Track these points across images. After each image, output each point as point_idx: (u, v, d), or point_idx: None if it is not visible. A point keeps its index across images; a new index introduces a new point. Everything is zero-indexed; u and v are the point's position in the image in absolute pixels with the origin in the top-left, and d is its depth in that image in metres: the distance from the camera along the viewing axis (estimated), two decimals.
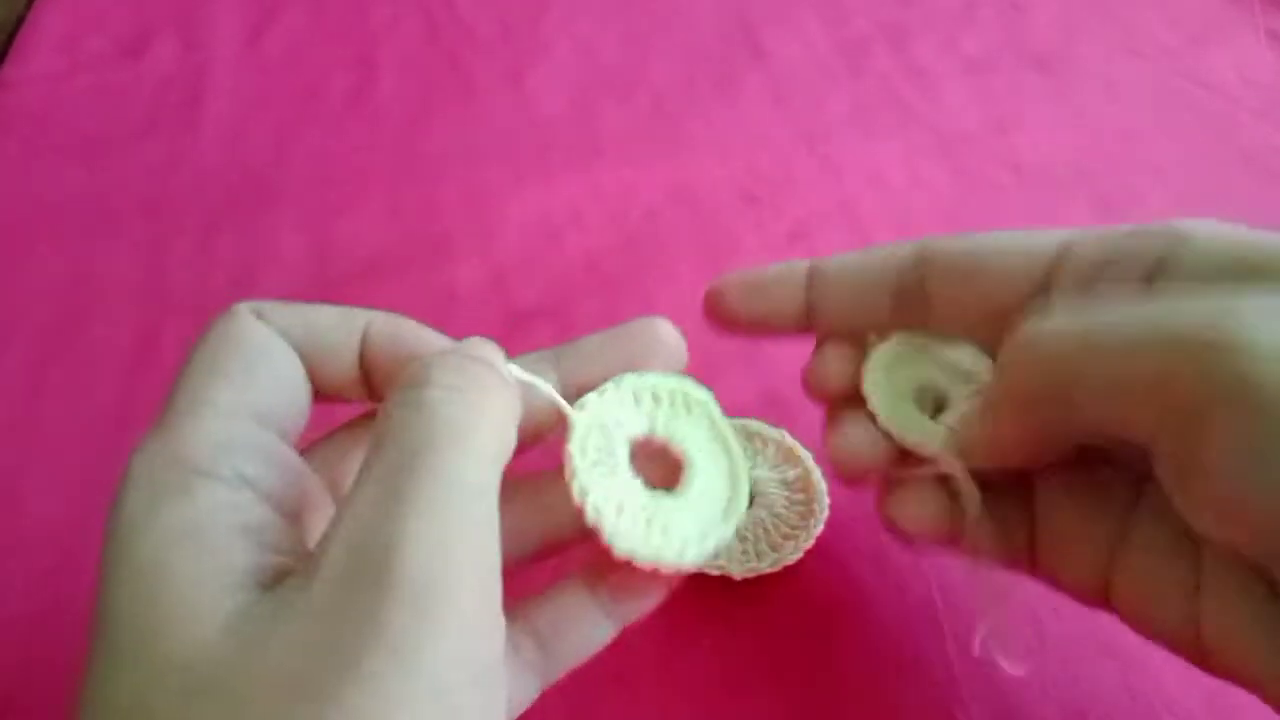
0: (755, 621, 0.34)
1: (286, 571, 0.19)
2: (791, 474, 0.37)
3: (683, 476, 0.26)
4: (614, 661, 0.34)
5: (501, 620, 0.19)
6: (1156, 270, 0.24)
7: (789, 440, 0.37)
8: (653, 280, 0.46)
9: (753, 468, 0.37)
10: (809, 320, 0.30)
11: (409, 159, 0.52)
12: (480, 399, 0.20)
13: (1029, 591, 0.35)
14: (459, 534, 0.18)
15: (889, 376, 0.29)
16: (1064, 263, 0.26)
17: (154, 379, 0.43)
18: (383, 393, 0.24)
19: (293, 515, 0.22)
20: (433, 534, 0.18)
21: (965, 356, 0.29)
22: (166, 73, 0.57)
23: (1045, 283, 0.26)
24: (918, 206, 0.50)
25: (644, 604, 0.25)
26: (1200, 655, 0.24)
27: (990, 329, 0.27)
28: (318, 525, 0.22)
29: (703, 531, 0.25)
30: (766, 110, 0.55)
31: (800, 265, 0.30)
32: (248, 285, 0.46)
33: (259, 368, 0.22)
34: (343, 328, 0.24)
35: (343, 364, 0.24)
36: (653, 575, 0.24)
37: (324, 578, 0.18)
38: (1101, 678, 0.33)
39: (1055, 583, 0.27)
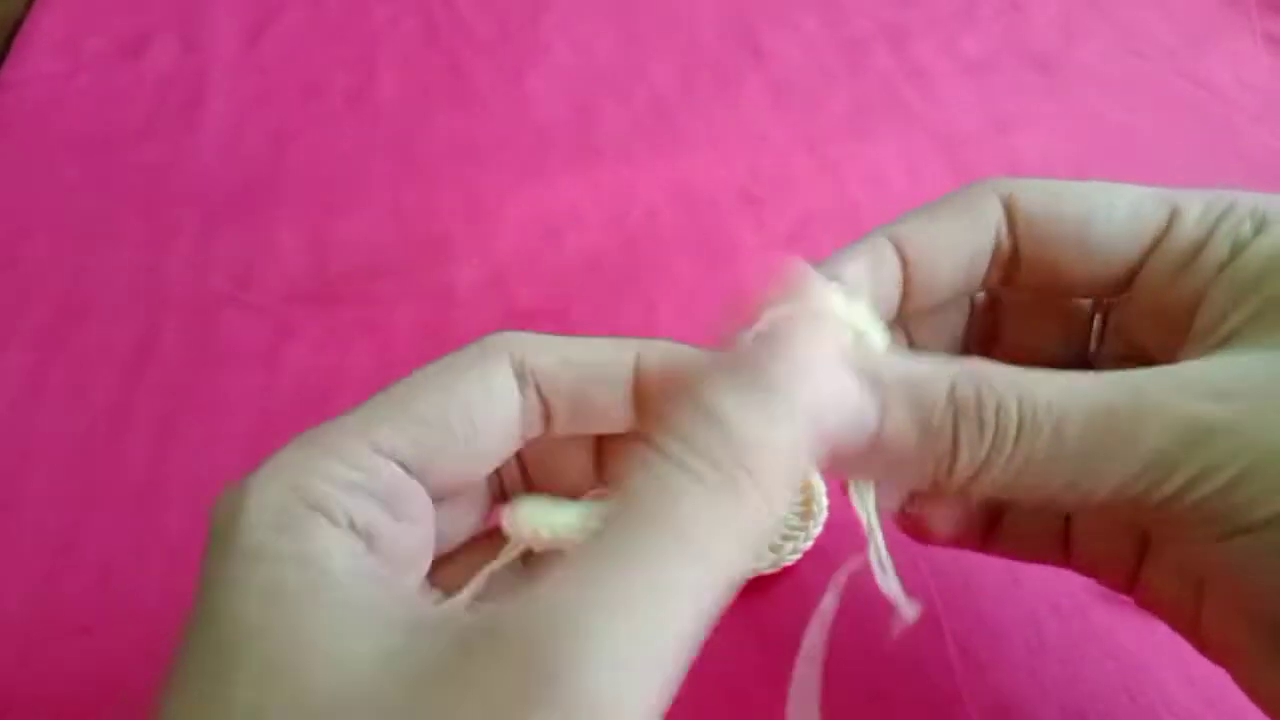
0: (755, 621, 0.34)
1: (413, 625, 0.18)
2: None
3: None
4: None
5: None
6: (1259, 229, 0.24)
7: None
8: (652, 280, 0.46)
9: None
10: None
11: (408, 159, 0.52)
12: (744, 493, 0.17)
13: (1028, 592, 0.35)
14: (648, 660, 0.16)
15: None
16: (1171, 231, 0.25)
17: (152, 378, 0.43)
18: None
19: (407, 566, 0.21)
20: (615, 657, 0.16)
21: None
22: (166, 73, 0.57)
23: (1152, 249, 0.25)
24: (918, 205, 0.49)
25: None
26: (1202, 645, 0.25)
27: (1091, 290, 0.26)
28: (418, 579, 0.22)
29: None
30: (766, 110, 0.55)
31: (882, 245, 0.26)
32: (247, 285, 0.46)
33: (442, 411, 0.21)
34: (610, 359, 0.23)
35: (611, 398, 0.23)
36: None
37: (488, 646, 0.16)
38: (1101, 678, 0.33)
39: (1089, 575, 0.28)
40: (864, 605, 0.35)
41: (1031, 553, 0.28)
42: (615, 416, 0.23)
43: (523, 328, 0.43)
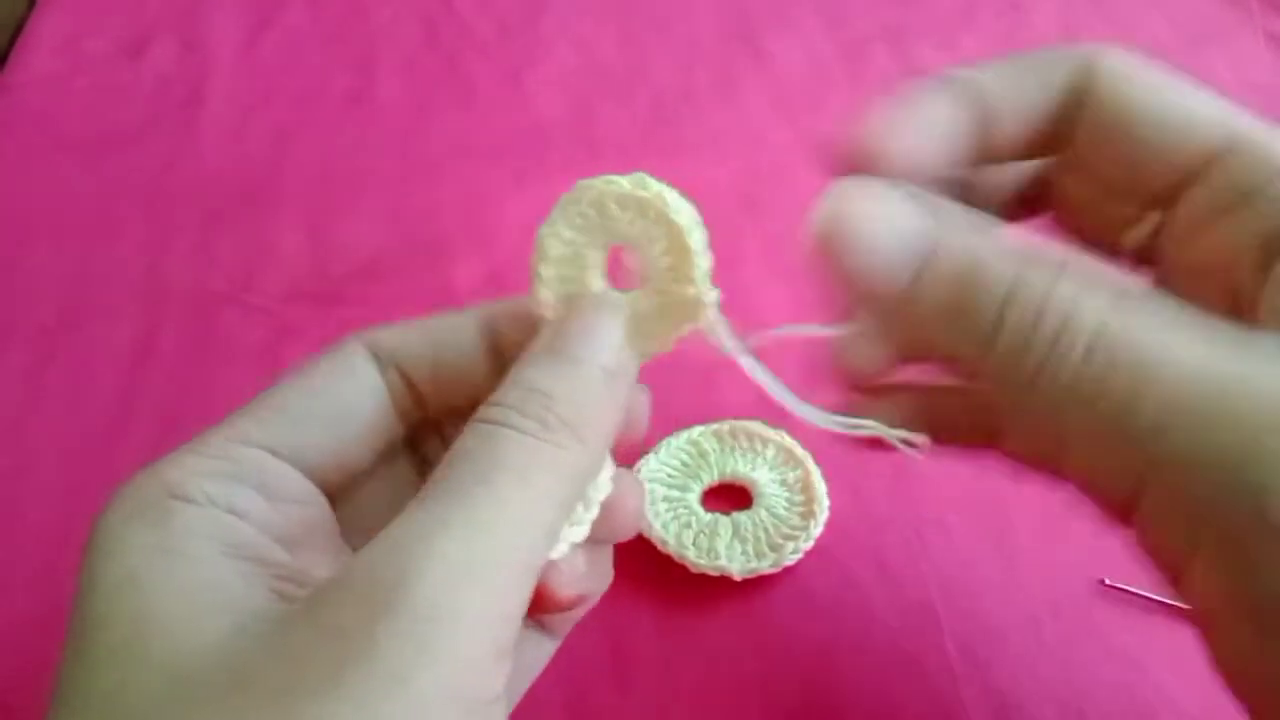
0: (755, 621, 0.34)
1: (288, 596, 0.19)
2: (792, 475, 0.37)
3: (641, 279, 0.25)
4: (613, 662, 0.34)
5: (507, 665, 0.18)
6: None
7: (789, 441, 0.37)
8: None
9: (753, 469, 0.37)
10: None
11: (408, 160, 0.52)
12: (558, 446, 0.20)
13: (1027, 592, 0.35)
14: (481, 574, 0.18)
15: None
16: (1222, 162, 0.23)
17: (152, 379, 0.43)
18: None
19: (293, 545, 0.21)
20: (453, 569, 0.17)
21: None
22: (166, 74, 0.57)
23: (1199, 172, 0.24)
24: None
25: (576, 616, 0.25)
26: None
27: (1129, 199, 0.25)
28: (320, 561, 0.22)
29: None
30: (766, 112, 0.55)
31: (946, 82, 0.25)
32: (247, 285, 0.46)
33: (304, 400, 0.22)
34: (458, 324, 0.24)
35: (469, 362, 0.24)
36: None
37: (337, 591, 0.18)
38: (1100, 677, 0.33)
39: (1084, 492, 0.25)
40: (864, 605, 0.35)
41: (1032, 461, 0.25)
42: (479, 382, 0.24)
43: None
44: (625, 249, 0.25)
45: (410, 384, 0.24)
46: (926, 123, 0.24)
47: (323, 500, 0.23)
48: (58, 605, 0.35)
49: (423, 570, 0.17)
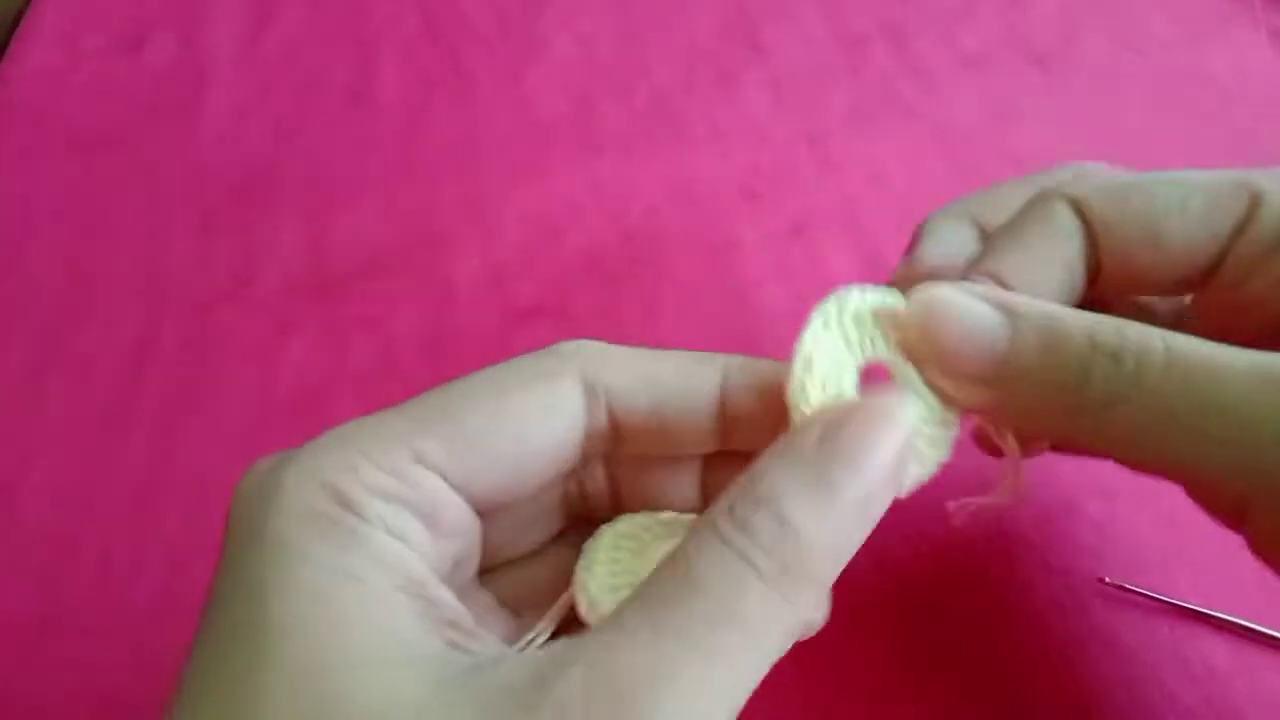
0: None
1: (460, 647, 0.19)
2: None
3: None
4: None
5: None
6: None
7: None
8: (653, 277, 0.46)
9: None
10: None
11: (408, 156, 0.52)
12: (792, 602, 0.18)
13: (1029, 591, 0.35)
14: (717, 696, 0.17)
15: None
16: (1254, 218, 0.24)
17: (153, 376, 0.43)
18: (739, 440, 0.23)
19: (443, 579, 0.21)
20: (695, 687, 0.17)
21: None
22: (165, 69, 0.57)
23: (1234, 239, 0.24)
24: (918, 203, 0.49)
25: None
26: None
27: (1174, 288, 0.26)
28: (461, 594, 0.21)
29: None
30: (766, 107, 0.54)
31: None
32: (246, 281, 0.46)
33: (494, 428, 0.20)
34: (693, 380, 0.22)
35: (693, 421, 0.22)
36: None
37: (569, 700, 0.17)
38: (1103, 676, 0.33)
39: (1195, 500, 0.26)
40: (865, 604, 0.35)
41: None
42: (696, 439, 0.22)
43: (522, 325, 0.44)
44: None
45: (615, 425, 0.22)
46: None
47: (477, 529, 0.22)
48: (57, 604, 0.35)
49: (660, 693, 0.16)
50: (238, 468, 0.21)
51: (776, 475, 0.19)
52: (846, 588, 0.35)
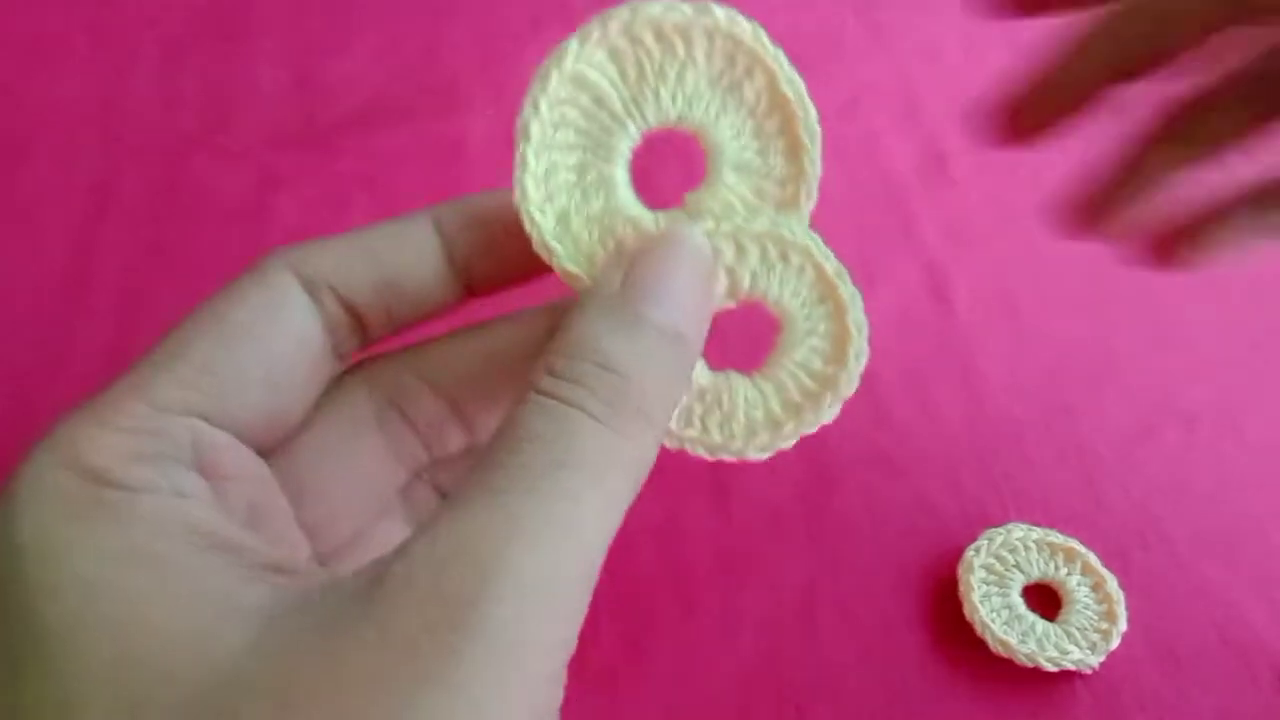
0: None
1: (285, 589, 0.17)
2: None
3: (775, 345, 0.21)
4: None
5: (564, 678, 0.17)
6: None
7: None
8: (687, 141, 0.41)
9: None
10: None
11: None
12: (632, 437, 0.18)
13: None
14: (556, 594, 0.16)
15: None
16: None
17: (110, 236, 0.37)
18: (483, 281, 0.21)
19: (246, 525, 0.19)
20: (529, 589, 0.16)
21: None
22: None
23: None
24: (977, 85, 0.45)
25: None
26: None
27: None
28: (279, 538, 0.20)
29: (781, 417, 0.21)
30: None
31: None
32: (220, 127, 0.40)
33: (229, 350, 0.19)
34: (409, 238, 0.21)
35: (424, 279, 0.21)
36: None
37: (400, 594, 0.16)
38: (1191, 616, 0.31)
39: None
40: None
41: None
42: (438, 294, 0.21)
43: None
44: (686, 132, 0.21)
45: (351, 311, 0.20)
46: None
47: (264, 468, 0.20)
48: None
49: (500, 587, 0.15)
50: None
51: (587, 323, 0.19)
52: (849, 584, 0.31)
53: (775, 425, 0.21)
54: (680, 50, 0.20)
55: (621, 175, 0.21)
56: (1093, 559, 0.31)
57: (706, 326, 0.20)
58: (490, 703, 0.15)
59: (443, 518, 0.16)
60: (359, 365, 0.22)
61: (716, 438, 0.21)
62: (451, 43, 0.43)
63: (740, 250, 0.20)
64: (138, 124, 0.40)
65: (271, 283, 0.19)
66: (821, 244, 0.20)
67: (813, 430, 0.20)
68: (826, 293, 0.21)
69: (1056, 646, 0.29)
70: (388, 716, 0.15)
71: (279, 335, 0.19)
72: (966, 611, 0.30)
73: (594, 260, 0.20)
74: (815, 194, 0.21)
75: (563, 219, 0.20)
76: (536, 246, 0.20)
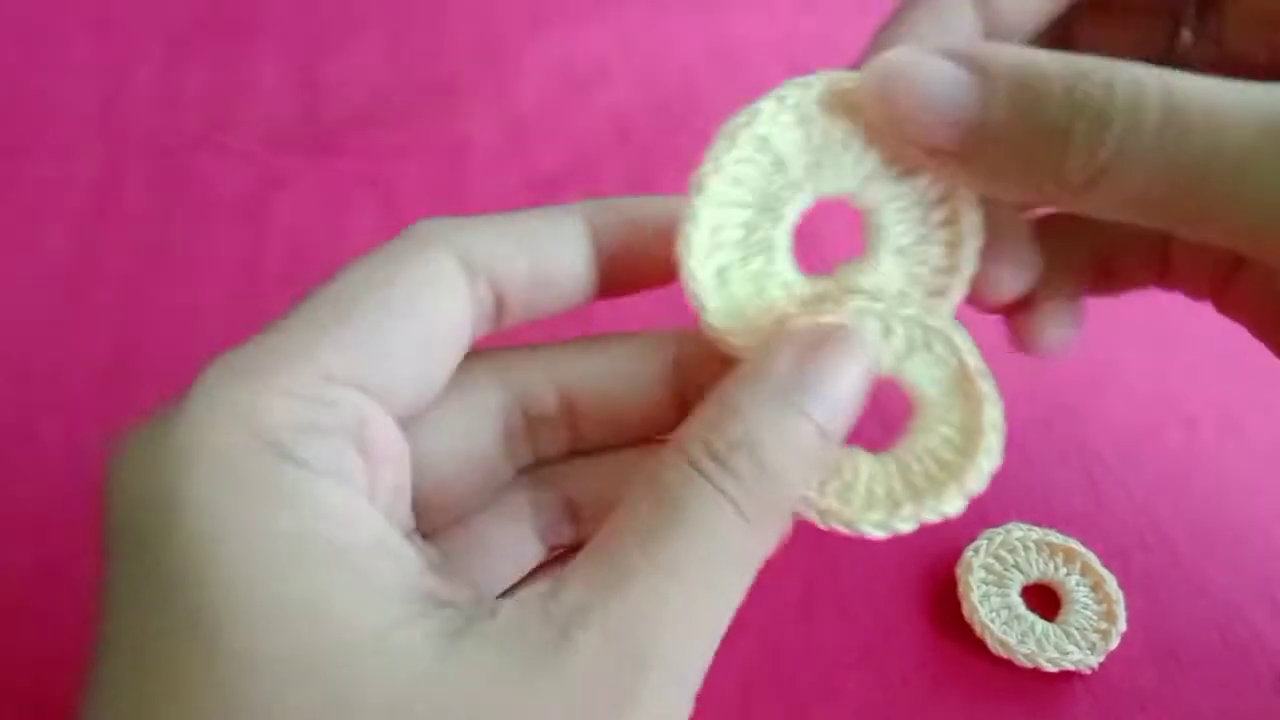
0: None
1: (438, 598, 0.17)
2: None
3: (906, 429, 0.21)
4: None
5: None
6: None
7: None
8: (691, 148, 0.40)
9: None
10: None
11: None
12: (773, 528, 0.19)
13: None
14: (695, 676, 0.18)
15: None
16: None
17: (111, 233, 0.37)
18: (618, 283, 0.22)
19: (391, 508, 0.19)
20: (680, 672, 0.18)
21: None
22: None
23: None
24: None
25: None
26: None
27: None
28: (406, 511, 0.20)
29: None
30: None
31: None
32: (221, 127, 0.40)
33: (393, 322, 0.18)
34: (562, 231, 0.21)
35: (571, 274, 0.21)
36: None
37: (587, 636, 0.17)
38: (1192, 615, 0.31)
39: (1174, 289, 0.27)
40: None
41: (1129, 286, 0.27)
42: (574, 292, 0.21)
43: (548, 194, 0.39)
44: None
45: (499, 295, 0.20)
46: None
47: (406, 448, 0.20)
48: (12, 502, 0.30)
49: (659, 675, 0.17)
50: (222, 345, 0.17)
51: (749, 406, 0.19)
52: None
53: (894, 505, 0.20)
54: (866, 127, 0.20)
55: (784, 240, 0.21)
56: (1092, 559, 0.31)
57: (845, 429, 0.20)
58: None
59: (610, 585, 0.17)
60: (485, 353, 0.21)
61: (833, 504, 0.20)
62: (453, 42, 0.43)
63: (887, 331, 0.20)
64: (139, 122, 0.40)
65: (432, 258, 0.19)
66: (967, 337, 0.21)
67: (933, 519, 0.20)
68: (967, 388, 0.21)
69: (1056, 647, 0.29)
70: None
71: (438, 313, 0.19)
72: (966, 612, 0.30)
73: (744, 319, 0.20)
74: (967, 288, 0.21)
75: (721, 274, 0.20)
76: (689, 297, 0.20)
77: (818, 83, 0.20)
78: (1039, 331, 0.25)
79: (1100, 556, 0.31)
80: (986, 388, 0.20)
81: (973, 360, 0.20)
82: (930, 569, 0.31)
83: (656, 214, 0.21)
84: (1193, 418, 0.35)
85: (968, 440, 0.20)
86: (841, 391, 0.19)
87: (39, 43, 0.43)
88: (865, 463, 0.21)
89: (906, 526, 0.20)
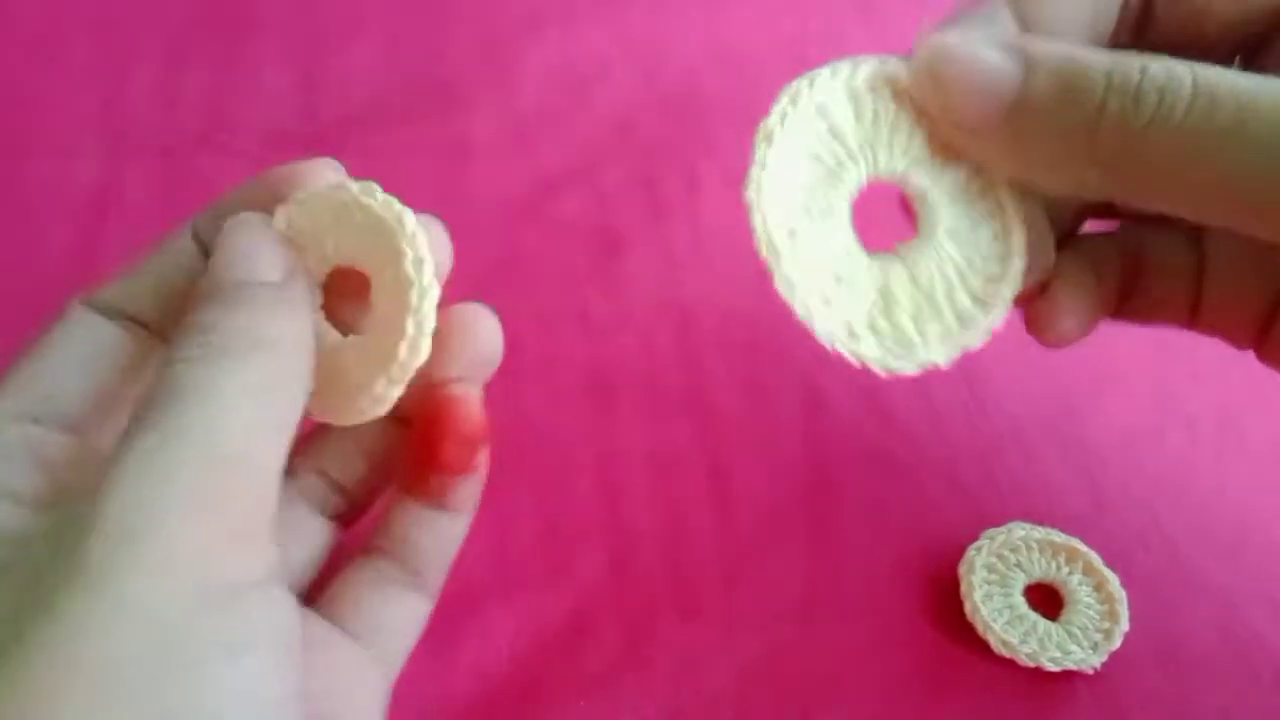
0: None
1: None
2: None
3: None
4: None
5: (257, 547, 0.18)
6: None
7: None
8: (693, 147, 0.41)
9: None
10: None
11: None
12: (229, 357, 0.19)
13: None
14: (178, 472, 0.18)
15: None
16: None
17: (112, 235, 0.37)
18: None
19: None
20: (151, 471, 0.17)
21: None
22: None
23: None
24: None
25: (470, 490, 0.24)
26: None
27: (1222, 49, 0.24)
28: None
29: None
30: None
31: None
32: (222, 127, 0.40)
33: (47, 366, 0.22)
34: (177, 255, 0.23)
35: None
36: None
37: (44, 531, 0.18)
38: (1194, 616, 0.31)
39: (1212, 333, 0.27)
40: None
41: (1158, 317, 0.28)
42: None
43: (550, 192, 0.39)
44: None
45: (147, 327, 0.23)
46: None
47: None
48: None
49: (115, 486, 0.17)
50: None
51: (184, 312, 0.21)
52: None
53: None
54: (913, 113, 0.22)
55: (844, 207, 0.22)
56: (1094, 559, 0.31)
57: (291, 273, 0.22)
58: (119, 580, 0.16)
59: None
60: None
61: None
62: (454, 42, 0.43)
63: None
64: (139, 122, 0.40)
65: (69, 319, 0.23)
66: None
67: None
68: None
69: (1058, 646, 0.29)
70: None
71: (85, 349, 0.22)
72: (968, 611, 0.30)
73: (811, 280, 0.21)
74: (1021, 280, 0.22)
75: (792, 234, 0.21)
76: (763, 247, 0.21)
77: (873, 63, 0.22)
78: (1053, 318, 0.25)
79: (1102, 556, 0.31)
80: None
81: None
82: (931, 569, 0.31)
83: (247, 202, 0.22)
84: (1193, 417, 0.35)
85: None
86: (248, 258, 0.21)
87: (39, 42, 0.42)
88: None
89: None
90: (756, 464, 0.33)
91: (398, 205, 0.21)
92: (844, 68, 0.21)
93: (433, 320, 0.21)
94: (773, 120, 0.21)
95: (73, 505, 0.18)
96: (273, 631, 0.18)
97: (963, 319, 0.22)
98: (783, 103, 0.21)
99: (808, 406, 0.34)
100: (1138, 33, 0.24)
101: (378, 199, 0.21)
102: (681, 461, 0.32)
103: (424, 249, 0.21)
